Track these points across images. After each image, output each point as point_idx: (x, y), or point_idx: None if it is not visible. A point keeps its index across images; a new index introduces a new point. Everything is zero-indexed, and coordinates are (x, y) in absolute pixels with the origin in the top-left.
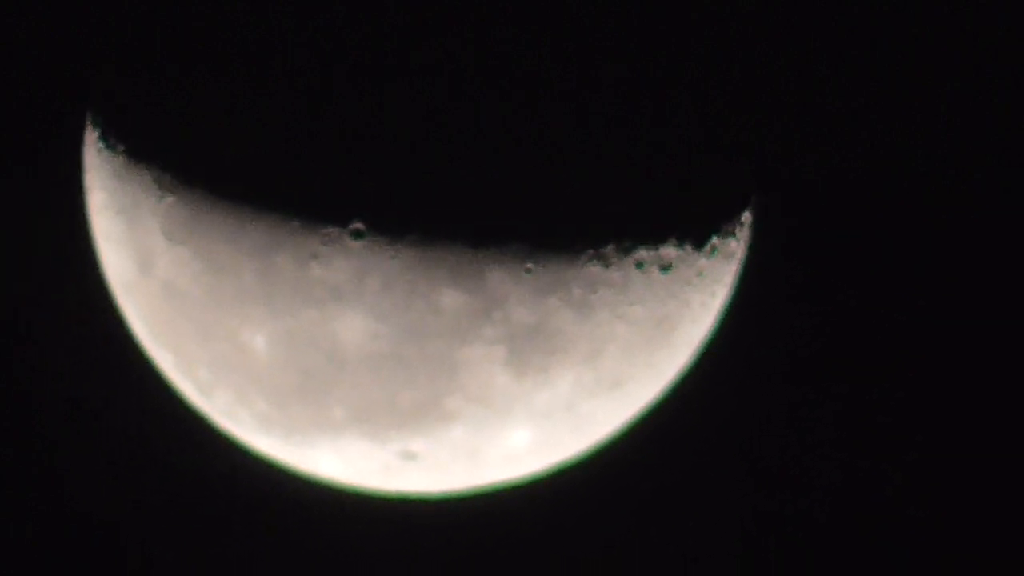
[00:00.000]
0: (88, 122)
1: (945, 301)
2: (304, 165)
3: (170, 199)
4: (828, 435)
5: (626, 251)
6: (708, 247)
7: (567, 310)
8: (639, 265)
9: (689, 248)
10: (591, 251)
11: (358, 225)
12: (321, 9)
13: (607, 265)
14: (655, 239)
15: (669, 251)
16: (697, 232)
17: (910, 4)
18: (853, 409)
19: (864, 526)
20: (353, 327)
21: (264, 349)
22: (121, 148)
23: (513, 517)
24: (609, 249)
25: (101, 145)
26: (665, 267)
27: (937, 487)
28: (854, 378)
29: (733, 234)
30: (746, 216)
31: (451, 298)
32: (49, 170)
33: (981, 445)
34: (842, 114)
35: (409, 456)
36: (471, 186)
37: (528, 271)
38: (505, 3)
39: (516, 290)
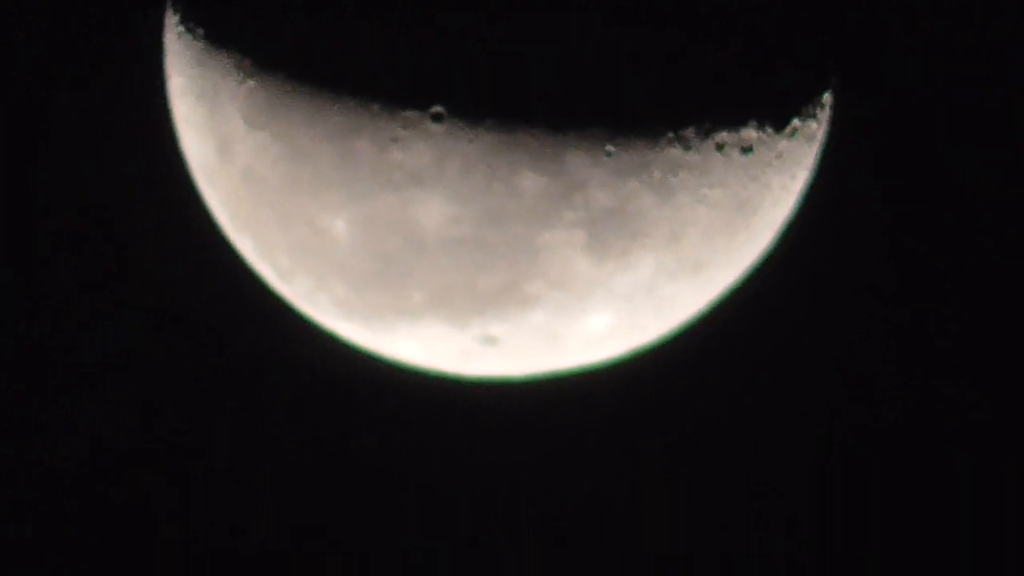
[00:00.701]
0: (168, 6)
1: None
2: (384, 49)
3: (250, 83)
4: (906, 319)
5: (706, 133)
6: (789, 129)
7: (647, 193)
8: (719, 147)
9: (769, 130)
10: (671, 133)
11: (438, 109)
12: None
13: (687, 147)
14: (735, 121)
15: (749, 133)
16: (777, 114)
17: None
18: (933, 291)
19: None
20: (432, 211)
21: (343, 234)
22: (201, 32)
23: (593, 401)
24: (689, 131)
25: (181, 29)
26: (745, 149)
27: None
28: (930, 259)
29: (814, 116)
30: (827, 98)
31: (531, 181)
32: (130, 55)
33: None
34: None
35: (489, 340)
36: (550, 69)
37: (608, 154)
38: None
39: (596, 173)
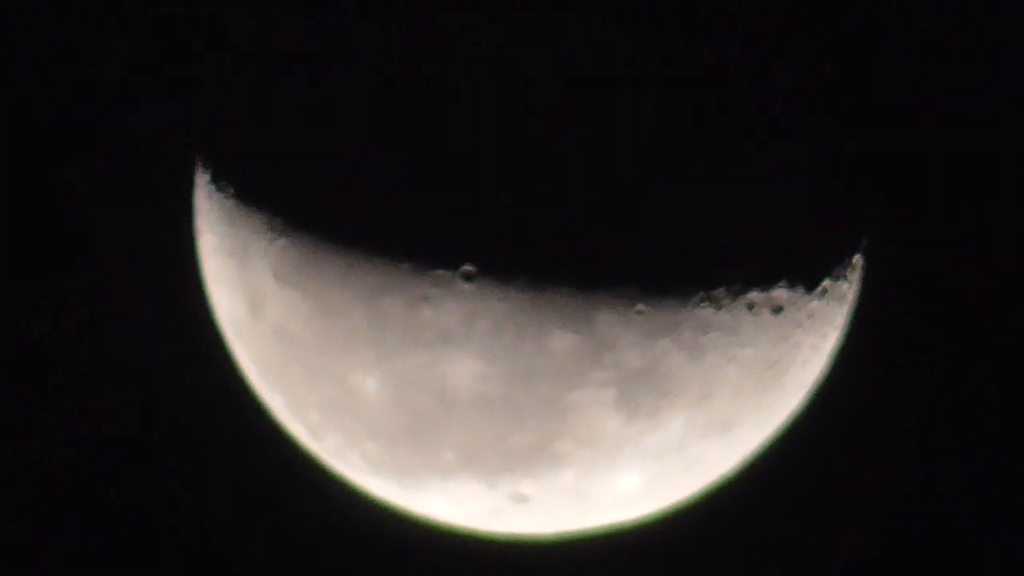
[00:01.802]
0: (199, 165)
1: None
2: (415, 208)
3: (281, 241)
4: (943, 479)
5: (737, 293)
6: (819, 290)
7: (678, 352)
8: (750, 307)
9: (800, 290)
10: (702, 293)
11: (468, 268)
12: (432, 54)
13: (718, 307)
14: (766, 281)
15: (780, 293)
16: (808, 275)
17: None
18: (969, 450)
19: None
20: (463, 370)
21: (374, 392)
22: (232, 191)
23: (623, 561)
24: (720, 291)
25: (212, 188)
26: (776, 309)
27: None
28: (968, 420)
29: (844, 277)
30: (857, 259)
31: (561, 340)
32: (161, 213)
33: None
34: (952, 159)
35: (519, 499)
36: (581, 228)
37: (639, 313)
38: (611, 45)
39: (626, 332)
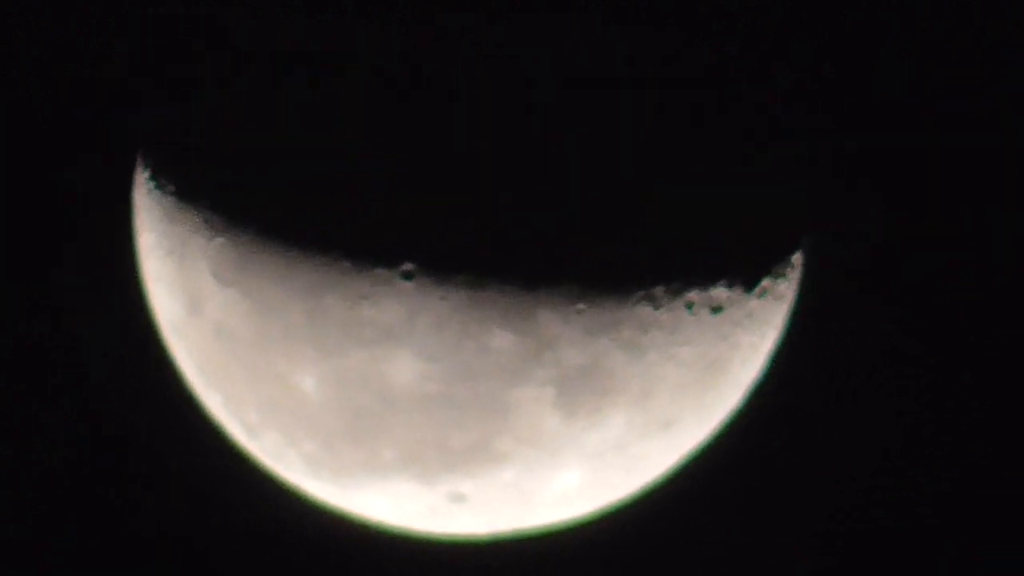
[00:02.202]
0: (138, 163)
1: (1014, 347)
2: (354, 206)
3: (220, 240)
4: (880, 477)
5: (676, 292)
6: (758, 289)
7: (618, 351)
8: (689, 306)
9: (739, 290)
10: (641, 292)
11: (408, 266)
12: (371, 50)
13: (657, 306)
14: (705, 281)
15: (719, 293)
16: (747, 274)
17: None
18: (904, 452)
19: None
20: (403, 368)
21: (313, 390)
22: (171, 189)
23: (561, 560)
24: (659, 290)
25: (151, 186)
26: (715, 309)
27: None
28: (904, 422)
29: (783, 276)
30: (796, 258)
31: (501, 339)
32: (99, 211)
33: None
34: (893, 155)
35: (458, 498)
36: (521, 227)
37: (579, 312)
38: (553, 43)
39: (566, 331)
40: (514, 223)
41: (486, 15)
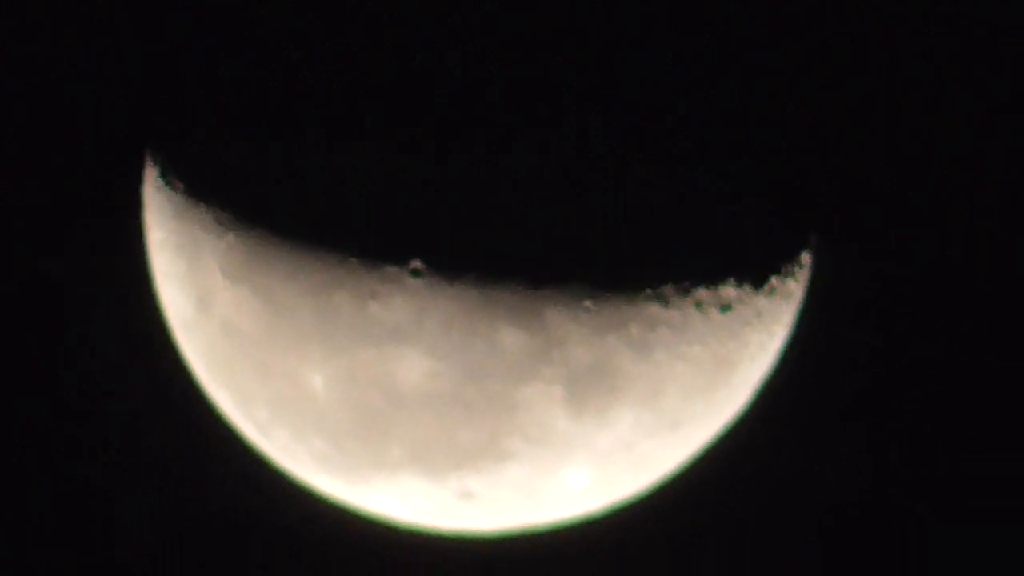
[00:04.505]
0: (148, 160)
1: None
2: (363, 204)
3: (229, 237)
4: (890, 476)
5: (685, 291)
6: (767, 287)
7: (626, 349)
8: (698, 305)
9: (748, 288)
10: (650, 290)
11: (417, 264)
12: (383, 54)
13: (666, 304)
14: (714, 279)
15: (728, 291)
16: (756, 272)
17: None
18: (914, 449)
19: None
20: (412, 366)
21: (322, 388)
22: (181, 186)
23: (570, 557)
24: (668, 288)
25: (161, 183)
26: (724, 307)
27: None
28: (913, 421)
29: (792, 274)
30: (805, 256)
31: (510, 337)
32: (109, 208)
33: None
34: (903, 154)
35: (466, 495)
36: (530, 225)
37: (587, 310)
38: (561, 54)
39: (575, 329)
40: (523, 221)
41: (497, 14)
